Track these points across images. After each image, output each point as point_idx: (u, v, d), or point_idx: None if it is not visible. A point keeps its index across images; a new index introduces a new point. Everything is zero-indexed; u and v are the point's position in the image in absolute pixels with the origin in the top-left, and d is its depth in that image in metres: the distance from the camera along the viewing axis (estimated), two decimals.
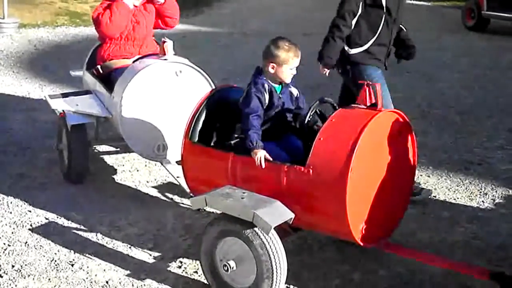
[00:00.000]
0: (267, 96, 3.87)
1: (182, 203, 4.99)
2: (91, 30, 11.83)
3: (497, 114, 7.43)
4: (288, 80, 3.97)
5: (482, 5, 12.66)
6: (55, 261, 4.15)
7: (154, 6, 5.65)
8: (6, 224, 4.63)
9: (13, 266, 4.08)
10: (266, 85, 3.88)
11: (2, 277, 3.95)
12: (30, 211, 4.84)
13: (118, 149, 5.89)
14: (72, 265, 4.10)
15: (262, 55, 3.97)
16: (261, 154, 3.69)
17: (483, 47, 11.50)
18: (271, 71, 3.90)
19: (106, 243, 4.40)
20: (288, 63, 3.91)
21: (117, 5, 5.43)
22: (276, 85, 3.97)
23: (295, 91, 4.13)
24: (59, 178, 5.44)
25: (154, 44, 5.75)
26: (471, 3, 13.09)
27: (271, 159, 3.70)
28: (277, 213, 3.50)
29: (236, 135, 4.08)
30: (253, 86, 3.86)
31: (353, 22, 4.83)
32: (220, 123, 4.17)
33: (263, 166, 3.68)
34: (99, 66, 5.61)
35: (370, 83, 3.79)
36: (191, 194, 4.25)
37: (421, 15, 14.94)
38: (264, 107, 3.86)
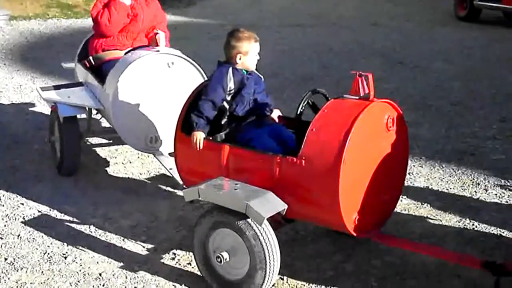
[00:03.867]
0: (230, 79, 3.97)
1: (176, 195, 4.98)
2: (82, 22, 11.83)
3: (489, 104, 7.44)
4: (254, 66, 4.09)
5: None
6: (48, 253, 4.14)
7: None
8: None
9: (5, 259, 4.07)
10: (229, 70, 3.98)
11: None
12: (22, 204, 4.84)
13: (111, 141, 5.88)
14: (65, 257, 4.10)
15: (225, 50, 4.06)
16: (199, 136, 3.85)
17: (475, 37, 11.50)
18: (239, 62, 4.01)
19: (99, 235, 4.40)
20: (252, 50, 4.03)
21: (115, 5, 5.44)
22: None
23: (261, 76, 4.21)
24: (51, 170, 5.43)
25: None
26: None
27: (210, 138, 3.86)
28: (270, 204, 3.50)
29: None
30: (214, 74, 4.00)
31: None
32: None
33: (200, 147, 3.85)
34: (91, 58, 5.59)
35: (363, 73, 3.79)
36: (184, 186, 4.25)
37: (414, 7, 14.94)
38: (230, 90, 3.97)
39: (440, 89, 8.10)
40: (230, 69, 3.99)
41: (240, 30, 4.06)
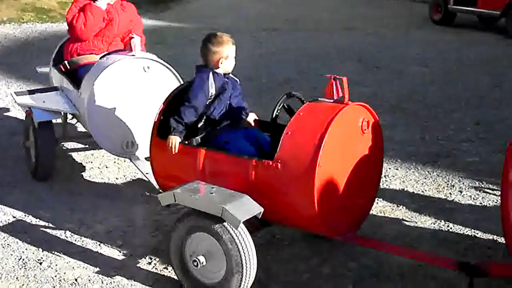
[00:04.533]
0: (212, 85, 3.98)
1: (152, 200, 4.97)
2: (58, 26, 11.75)
3: (463, 107, 7.52)
4: (231, 68, 4.11)
5: None
6: (23, 259, 4.11)
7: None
8: None
9: None
10: (209, 74, 3.99)
11: None
12: None
13: (87, 146, 5.84)
14: (40, 263, 4.06)
15: (204, 56, 4.05)
16: (175, 141, 3.86)
17: (449, 41, 11.63)
18: (221, 66, 4.03)
19: (75, 240, 4.37)
20: (232, 53, 4.06)
21: (90, 10, 5.39)
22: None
23: (237, 79, 4.23)
24: (26, 176, 5.38)
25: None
26: None
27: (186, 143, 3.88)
28: (246, 207, 3.50)
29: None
30: (195, 80, 4.01)
31: None
32: None
33: (175, 151, 3.86)
34: (66, 62, 5.55)
35: (337, 76, 3.81)
36: (160, 190, 4.24)
37: (390, 11, 15.07)
38: (211, 96, 3.98)
39: (416, 92, 8.17)
40: (211, 74, 4.00)
41: (218, 35, 4.05)
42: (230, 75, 4.15)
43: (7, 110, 7.16)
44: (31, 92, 5.55)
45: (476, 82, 8.66)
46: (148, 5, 13.86)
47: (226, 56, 4.01)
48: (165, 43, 10.40)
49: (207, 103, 3.97)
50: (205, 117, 3.97)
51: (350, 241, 3.90)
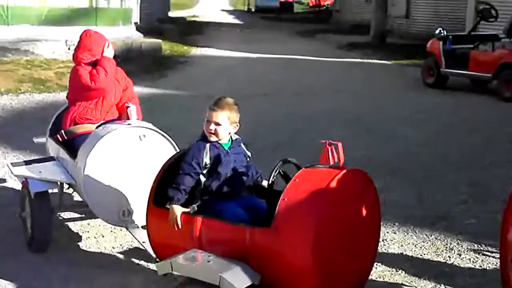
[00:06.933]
0: (206, 155, 4.00)
1: (149, 269, 4.92)
2: (55, 96, 11.85)
3: (458, 168, 7.55)
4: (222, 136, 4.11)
5: (441, 63, 13.03)
6: None
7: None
8: None
9: None
10: (206, 145, 4.03)
11: None
12: None
13: (83, 215, 5.81)
14: None
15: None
16: (176, 214, 3.85)
17: (442, 103, 11.77)
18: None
19: None
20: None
21: (105, 60, 5.53)
22: (224, 142, 4.11)
23: (246, 151, 4.26)
24: (21, 246, 5.33)
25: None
26: (430, 61, 13.47)
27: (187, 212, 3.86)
28: (244, 275, 3.49)
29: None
30: (191, 149, 4.04)
31: None
32: None
33: (179, 227, 3.82)
34: (62, 132, 5.58)
35: (332, 142, 3.85)
36: (157, 259, 4.21)
37: (383, 74, 15.29)
38: (205, 165, 4.00)
39: (409, 154, 8.21)
40: (207, 145, 4.04)
41: (221, 99, 4.13)
42: (242, 145, 4.21)
43: (4, 180, 7.15)
44: (27, 162, 5.56)
45: (469, 143, 8.73)
46: (144, 73, 14.04)
47: (235, 121, 4.09)
48: (160, 110, 10.50)
49: (204, 172, 3.99)
50: (202, 186, 3.98)
51: None
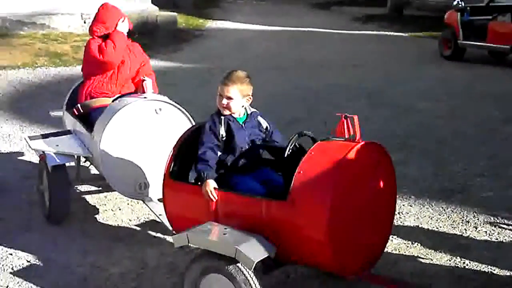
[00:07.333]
0: (222, 127, 4.01)
1: (165, 241, 4.96)
2: (71, 70, 11.87)
3: (475, 142, 7.50)
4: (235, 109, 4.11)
5: (458, 34, 12.87)
6: None
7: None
8: None
9: None
10: (221, 118, 4.03)
11: None
12: (11, 254, 4.80)
13: (100, 188, 5.87)
14: None
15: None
16: (210, 188, 3.80)
17: (460, 76, 11.65)
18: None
19: (89, 283, 4.36)
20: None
21: (116, 35, 5.52)
22: (239, 116, 4.12)
23: (264, 123, 4.22)
24: (40, 219, 5.40)
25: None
26: (447, 33, 13.31)
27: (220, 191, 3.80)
28: (259, 248, 3.50)
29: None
30: (208, 122, 4.04)
31: None
32: None
33: (215, 198, 3.78)
34: (79, 105, 5.61)
35: (348, 115, 3.83)
36: (174, 232, 4.24)
37: (399, 47, 15.14)
38: (222, 138, 4.00)
39: (426, 128, 8.17)
40: (222, 117, 4.04)
41: (234, 72, 4.15)
42: (258, 118, 4.22)
43: (21, 154, 7.21)
44: (44, 136, 5.60)
45: (486, 116, 8.66)
46: (159, 46, 14.01)
47: (249, 94, 4.10)
48: (176, 84, 10.49)
49: (219, 144, 3.99)
50: (218, 160, 3.99)
51: (365, 279, 3.87)
